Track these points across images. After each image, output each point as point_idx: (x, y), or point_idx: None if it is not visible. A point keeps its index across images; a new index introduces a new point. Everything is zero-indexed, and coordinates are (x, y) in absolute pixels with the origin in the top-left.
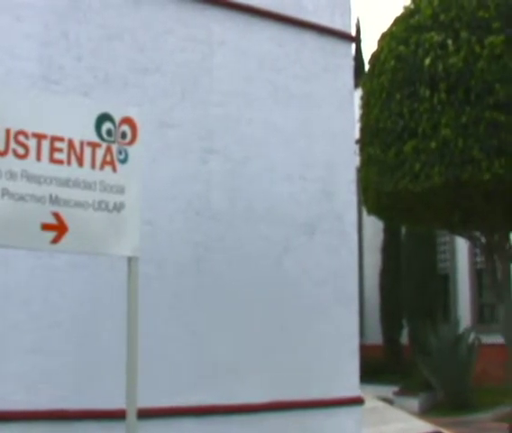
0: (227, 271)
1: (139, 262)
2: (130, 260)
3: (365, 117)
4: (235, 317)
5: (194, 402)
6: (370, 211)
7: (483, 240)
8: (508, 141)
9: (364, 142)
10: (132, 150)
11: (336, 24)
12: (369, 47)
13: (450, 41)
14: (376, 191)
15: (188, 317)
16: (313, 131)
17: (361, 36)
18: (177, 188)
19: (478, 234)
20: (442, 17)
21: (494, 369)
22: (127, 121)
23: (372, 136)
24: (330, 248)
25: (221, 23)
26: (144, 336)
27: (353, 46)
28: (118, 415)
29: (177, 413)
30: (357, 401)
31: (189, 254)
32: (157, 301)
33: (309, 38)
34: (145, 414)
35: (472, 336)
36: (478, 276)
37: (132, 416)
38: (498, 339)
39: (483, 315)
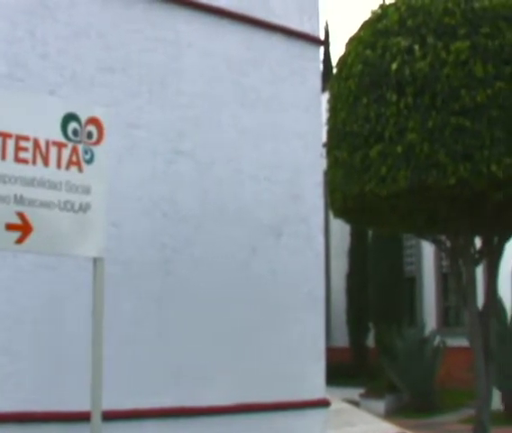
0: (194, 272)
1: (104, 262)
2: (95, 261)
3: (332, 121)
4: (202, 318)
5: (159, 405)
6: (336, 214)
7: (448, 244)
8: (473, 146)
9: (331, 146)
10: (98, 150)
11: (304, 28)
12: (337, 50)
13: (416, 47)
14: (342, 194)
15: (155, 319)
16: (280, 133)
17: (330, 40)
18: (144, 190)
19: (443, 237)
20: (409, 23)
21: (459, 371)
22: (93, 121)
23: (339, 139)
24: (296, 251)
25: (189, 25)
26: (110, 338)
27: (321, 49)
28: (83, 417)
29: (142, 416)
30: (323, 404)
31: (156, 256)
32: (123, 303)
33: (277, 41)
34: (110, 416)
35: (438, 339)
36: (443, 279)
37: (96, 418)
38: (462, 342)
39: (448, 318)
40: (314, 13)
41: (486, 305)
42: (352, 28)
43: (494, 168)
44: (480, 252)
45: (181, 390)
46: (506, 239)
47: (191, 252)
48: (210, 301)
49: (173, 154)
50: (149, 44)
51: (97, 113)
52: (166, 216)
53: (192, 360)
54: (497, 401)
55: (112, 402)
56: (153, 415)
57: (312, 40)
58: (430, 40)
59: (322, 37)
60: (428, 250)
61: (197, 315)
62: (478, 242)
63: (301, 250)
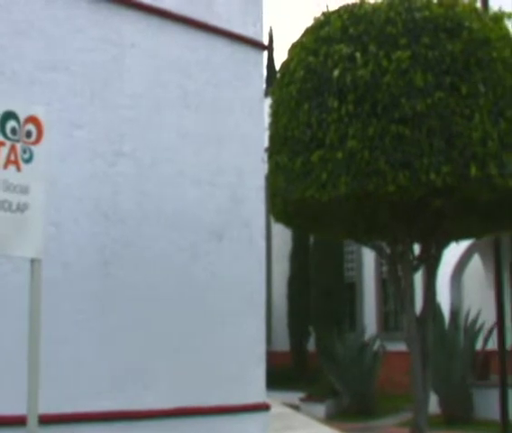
0: (135, 275)
1: (43, 264)
2: (33, 262)
3: (274, 126)
4: (143, 321)
5: (98, 408)
6: (277, 219)
7: (387, 250)
8: (413, 154)
9: (272, 150)
10: (37, 149)
11: (248, 32)
12: (281, 56)
13: (358, 54)
14: (283, 199)
15: (94, 321)
16: (222, 137)
17: (274, 45)
18: (84, 190)
19: (382, 244)
20: (351, 30)
21: (398, 376)
22: (32, 120)
23: (280, 144)
24: (238, 255)
25: (133, 25)
26: (48, 340)
27: (265, 54)
28: (18, 421)
29: (80, 419)
30: (263, 407)
31: (96, 257)
32: (62, 304)
33: (221, 44)
34: (47, 420)
35: (377, 343)
36: (383, 285)
37: (32, 422)
38: (401, 347)
39: (388, 323)
40: (258, 18)
41: (424, 310)
42: (296, 34)
43: (433, 176)
44: (419, 258)
45: (121, 393)
46: (444, 246)
47: (131, 253)
48: (150, 304)
49: (114, 155)
50: (92, 44)
51: (37, 112)
52: (106, 217)
53: (132, 363)
54: (434, 405)
55: (49, 406)
56: (92, 419)
57: (255, 44)
58: (372, 48)
59: (266, 42)
60: (369, 256)
61: (137, 317)
62: (416, 248)
63: (242, 254)
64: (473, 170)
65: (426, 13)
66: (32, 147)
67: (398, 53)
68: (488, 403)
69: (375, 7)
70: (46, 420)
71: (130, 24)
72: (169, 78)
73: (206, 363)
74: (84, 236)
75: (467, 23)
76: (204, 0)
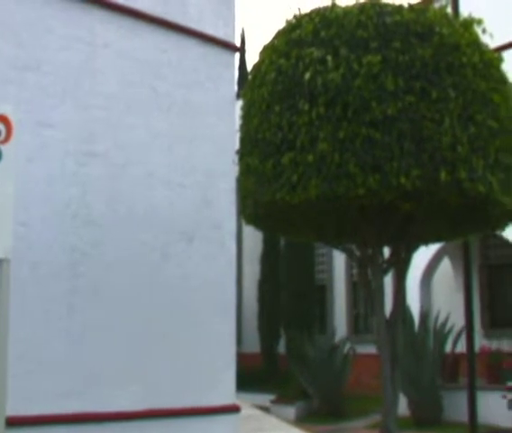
0: (104, 276)
1: (11, 264)
2: (1, 262)
3: (245, 127)
4: (112, 323)
5: (68, 410)
6: (248, 221)
7: (357, 253)
8: (383, 157)
9: (243, 152)
10: (5, 148)
11: (220, 34)
12: (254, 58)
13: (329, 58)
14: (254, 201)
15: (63, 322)
16: (194, 139)
17: (246, 47)
18: (53, 190)
19: (352, 247)
20: (322, 34)
21: (368, 378)
22: (1, 119)
23: (251, 146)
24: (208, 256)
25: (105, 25)
26: (16, 341)
27: (237, 56)
28: None
29: (49, 421)
30: (233, 409)
31: (65, 258)
32: (30, 305)
33: (193, 46)
34: (15, 422)
35: (347, 345)
36: (354, 288)
37: None
38: (371, 349)
39: (358, 326)
40: (230, 19)
41: (393, 313)
42: (268, 36)
43: (403, 179)
44: (389, 261)
45: (91, 394)
46: (413, 249)
47: (101, 254)
48: (121, 305)
49: (85, 155)
50: (64, 43)
51: (5, 110)
52: (76, 217)
53: (103, 364)
54: (404, 407)
55: (17, 408)
56: (62, 421)
57: (227, 46)
58: (343, 51)
59: (237, 44)
60: (339, 258)
61: (108, 318)
62: (386, 251)
63: (213, 255)
64: (443, 175)
65: (397, 17)
66: (1, 146)
67: (369, 57)
68: (456, 405)
69: (346, 11)
70: (14, 422)
71: (102, 24)
72: (141, 79)
73: (178, 365)
74: (53, 236)
75: (437, 29)
76: (176, 1)
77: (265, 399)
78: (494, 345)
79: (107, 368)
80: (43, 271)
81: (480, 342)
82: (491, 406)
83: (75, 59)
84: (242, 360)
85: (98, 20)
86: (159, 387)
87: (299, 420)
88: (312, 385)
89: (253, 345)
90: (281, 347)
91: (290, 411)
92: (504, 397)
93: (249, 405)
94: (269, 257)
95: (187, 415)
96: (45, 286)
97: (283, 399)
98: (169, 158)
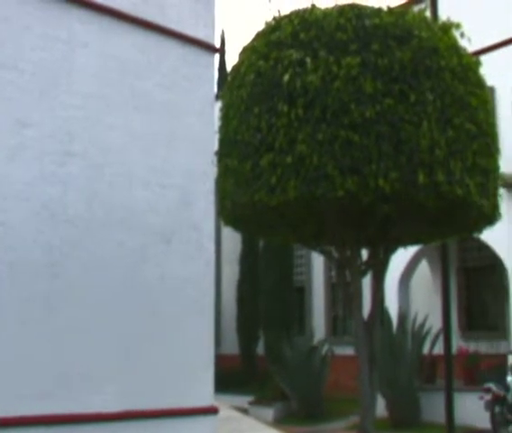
0: (83, 276)
1: None
2: None
3: (224, 129)
4: (90, 323)
5: (44, 411)
6: (226, 222)
7: (336, 255)
8: (361, 160)
9: (222, 154)
10: None
11: (200, 35)
12: (234, 59)
13: (308, 60)
14: (232, 202)
15: (41, 322)
16: (173, 139)
17: (226, 48)
18: (32, 190)
19: (331, 248)
20: (301, 36)
21: (346, 379)
22: None
23: (230, 148)
24: (187, 257)
25: (84, 25)
26: None
27: (216, 57)
28: None
29: (25, 423)
30: (211, 411)
31: (43, 258)
32: (7, 304)
33: (172, 46)
34: None
35: (326, 347)
36: (332, 289)
37: None
38: (349, 351)
39: (336, 327)
40: (209, 20)
41: (371, 315)
42: (248, 38)
43: (381, 182)
44: (367, 263)
45: (67, 396)
46: (391, 251)
47: (79, 255)
48: (98, 306)
49: (63, 155)
50: (42, 42)
51: None
52: (54, 217)
53: (80, 365)
54: (382, 409)
55: None
56: (36, 422)
57: (207, 47)
58: (322, 54)
59: (217, 45)
60: (318, 260)
61: (86, 319)
62: (365, 253)
63: (191, 257)
64: (421, 177)
65: (376, 20)
66: None
67: (348, 59)
68: (434, 407)
69: (326, 13)
70: None
71: (81, 23)
72: (120, 79)
73: (155, 366)
74: (31, 236)
75: (416, 32)
76: (156, 2)
77: (243, 400)
78: (471, 346)
79: (84, 369)
80: (21, 270)
81: (457, 344)
82: (468, 407)
83: (53, 58)
84: (221, 361)
85: (77, 19)
86: (136, 388)
87: (277, 422)
88: (290, 387)
89: (232, 346)
90: (260, 349)
91: (269, 413)
92: (481, 398)
93: (227, 406)
94: (248, 258)
95: (165, 416)
96: (23, 286)
97: (261, 400)
98: (148, 158)
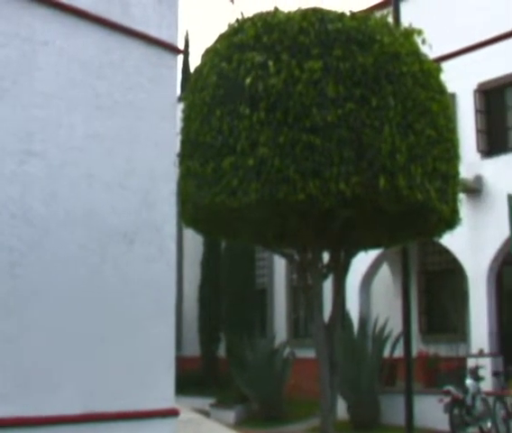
0: (43, 277)
1: None
2: None
3: (186, 130)
4: (50, 325)
5: (2, 414)
6: (188, 224)
7: (297, 258)
8: (323, 164)
9: (184, 155)
10: None
11: (163, 36)
12: (198, 61)
13: (271, 63)
14: (194, 204)
15: (0, 324)
16: (135, 140)
17: (190, 50)
18: None
19: (292, 251)
20: (264, 39)
21: (307, 382)
22: None
23: (192, 150)
24: (148, 259)
25: (46, 23)
26: None
27: (180, 58)
28: None
29: None
30: (172, 413)
31: (3, 259)
32: None
33: (135, 47)
34: None
35: (287, 350)
36: (294, 292)
37: None
38: (311, 354)
39: (298, 330)
40: (173, 21)
41: (332, 318)
42: (212, 39)
43: (342, 186)
44: (328, 266)
45: (25, 397)
46: (352, 255)
47: (39, 255)
48: (59, 307)
49: (23, 154)
50: (2, 39)
51: None
52: (14, 217)
53: (38, 366)
54: (343, 411)
55: None
56: None
57: (170, 48)
58: (284, 57)
59: (181, 46)
60: (280, 263)
61: (45, 320)
62: (326, 256)
63: (153, 258)
64: (382, 182)
65: (339, 25)
66: None
67: (311, 63)
68: (394, 409)
69: (288, 17)
70: None
71: (43, 22)
72: (82, 79)
73: (115, 368)
74: None
75: (378, 37)
76: (119, 1)
77: (205, 403)
78: (431, 349)
79: (43, 371)
80: None
81: (417, 347)
82: (428, 409)
83: (13, 56)
84: (182, 363)
85: (38, 17)
86: (96, 390)
87: (239, 424)
88: (252, 389)
89: (193, 348)
90: (221, 351)
91: (230, 415)
92: (440, 401)
93: (188, 409)
94: (210, 260)
95: (125, 419)
96: None
97: (222, 402)
98: (110, 159)
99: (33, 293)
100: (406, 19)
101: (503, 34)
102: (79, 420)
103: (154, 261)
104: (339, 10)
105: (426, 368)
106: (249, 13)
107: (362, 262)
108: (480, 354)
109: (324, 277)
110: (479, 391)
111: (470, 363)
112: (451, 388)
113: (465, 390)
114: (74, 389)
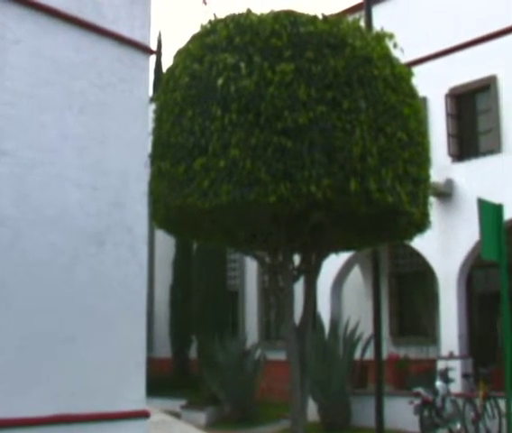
0: (12, 278)
1: None
2: None
3: (157, 131)
4: (19, 326)
5: None
6: (159, 225)
7: (268, 260)
8: (294, 166)
9: (155, 156)
10: None
11: (135, 36)
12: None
13: (243, 65)
14: (165, 205)
15: None
16: (106, 140)
17: (163, 50)
18: None
19: (264, 253)
20: (236, 40)
21: (278, 384)
22: None
23: (163, 150)
24: (119, 260)
25: (17, 21)
26: None
27: (152, 59)
28: None
29: None
30: (143, 415)
31: None
32: None
33: (108, 46)
34: None
35: (259, 352)
36: (265, 294)
37: None
38: (282, 356)
39: (269, 332)
40: (145, 21)
41: (303, 320)
42: (185, 40)
43: (313, 188)
44: (299, 268)
45: None
46: (323, 257)
47: (9, 255)
48: (28, 308)
49: None
50: None
51: None
52: None
53: (7, 368)
54: (314, 413)
55: None
56: None
57: (143, 48)
58: (256, 59)
59: (153, 46)
60: (251, 265)
61: (15, 321)
62: (297, 259)
63: (124, 259)
64: (353, 185)
65: (311, 27)
66: None
67: (283, 66)
68: (365, 411)
69: (261, 19)
70: None
71: (14, 20)
72: (54, 78)
73: (86, 370)
74: None
75: (350, 41)
76: (91, 1)
77: (176, 404)
78: (402, 352)
79: (12, 373)
80: None
81: (388, 349)
82: (398, 411)
83: None
84: (153, 365)
85: (10, 15)
86: (65, 391)
87: (210, 426)
88: (223, 391)
89: (164, 350)
90: (193, 352)
91: (201, 417)
92: (411, 403)
93: (159, 410)
94: (182, 262)
95: (96, 420)
96: None
97: (194, 404)
98: (81, 159)
99: (3, 293)
100: (378, 23)
101: (474, 40)
102: (47, 422)
103: (125, 262)
104: (311, 13)
105: (397, 370)
106: (221, 15)
107: (334, 264)
108: (450, 356)
109: (296, 279)
110: (448, 392)
111: (440, 365)
112: (421, 390)
113: (435, 392)
114: (45, 391)
